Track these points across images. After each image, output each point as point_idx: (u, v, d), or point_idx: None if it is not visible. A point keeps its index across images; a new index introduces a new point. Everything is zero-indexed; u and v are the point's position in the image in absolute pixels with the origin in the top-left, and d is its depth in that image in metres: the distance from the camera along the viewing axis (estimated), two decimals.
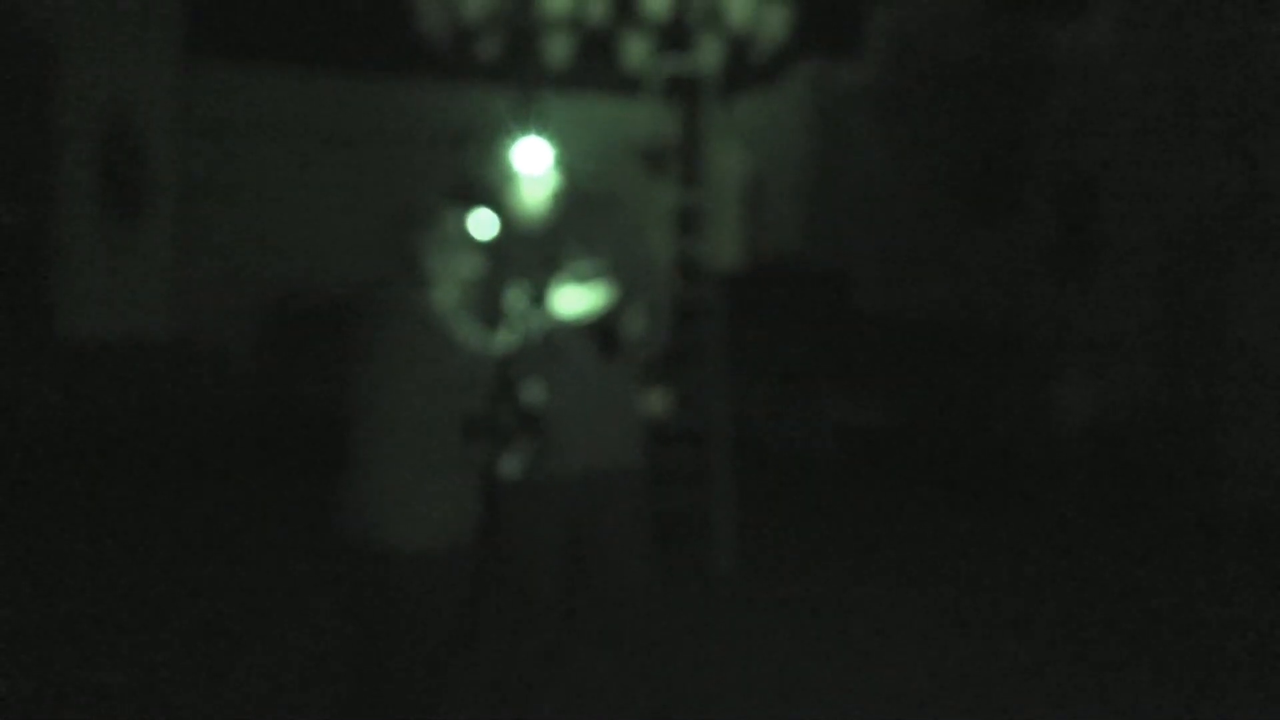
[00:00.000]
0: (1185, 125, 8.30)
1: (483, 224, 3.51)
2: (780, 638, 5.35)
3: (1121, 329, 8.75)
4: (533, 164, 3.59)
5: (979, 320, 10.31)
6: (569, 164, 3.63)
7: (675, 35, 6.77)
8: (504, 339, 3.34)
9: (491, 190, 3.72)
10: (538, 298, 3.50)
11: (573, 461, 3.57)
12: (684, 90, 7.82)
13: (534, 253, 3.61)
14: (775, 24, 6.82)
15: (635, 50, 6.91)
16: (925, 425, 9.58)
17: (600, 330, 3.52)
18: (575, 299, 3.50)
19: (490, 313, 3.43)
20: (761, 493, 7.97)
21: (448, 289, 3.36)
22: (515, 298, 3.39)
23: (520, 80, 7.33)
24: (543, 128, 3.61)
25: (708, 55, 6.78)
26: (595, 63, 7.02)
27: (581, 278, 3.60)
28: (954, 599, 5.99)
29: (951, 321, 10.50)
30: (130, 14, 9.18)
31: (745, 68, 7.37)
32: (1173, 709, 4.63)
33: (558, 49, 6.90)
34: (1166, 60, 8.42)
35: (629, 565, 3.74)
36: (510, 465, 3.32)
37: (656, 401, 4.22)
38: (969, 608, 5.85)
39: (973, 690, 4.77)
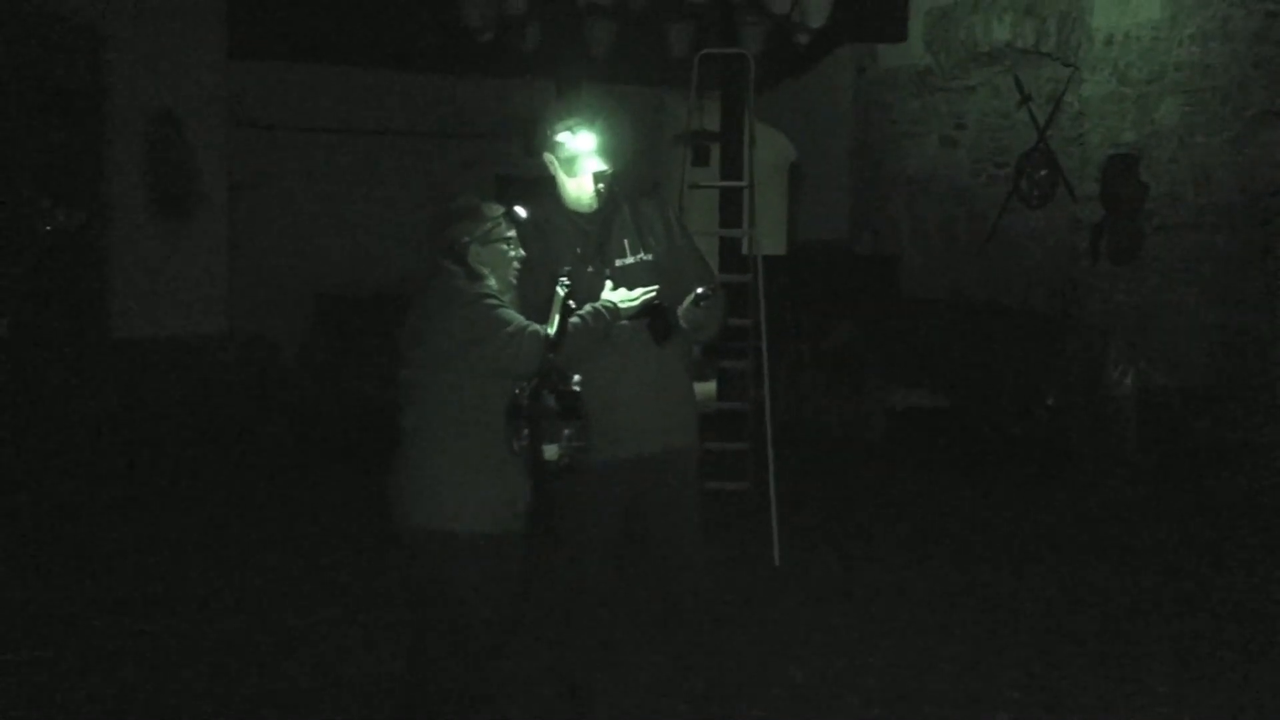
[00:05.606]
0: (1232, 100, 8.18)
1: (526, 216, 3.55)
2: (831, 623, 5.36)
3: (1169, 309, 8.65)
4: (578, 154, 3.62)
5: (1024, 302, 10.24)
6: (614, 153, 3.65)
7: (717, 22, 6.79)
8: (552, 327, 3.37)
9: (538, 181, 3.76)
10: (587, 286, 3.53)
11: (628, 445, 3.60)
12: (727, 77, 7.81)
13: (583, 242, 3.64)
14: (817, 9, 6.81)
15: (678, 38, 6.93)
16: (974, 407, 9.53)
17: (653, 317, 3.55)
18: (626, 287, 3.53)
19: (539, 302, 3.46)
20: (813, 476, 7.97)
21: (495, 279, 3.41)
22: (564, 286, 3.42)
23: (563, 71, 7.36)
24: (587, 118, 3.63)
25: (750, 42, 6.78)
26: (638, 51, 7.04)
27: (631, 266, 3.63)
28: (1006, 580, 5.98)
29: (996, 303, 10.42)
30: (175, 16, 9.28)
31: (787, 53, 7.36)
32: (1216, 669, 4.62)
33: (600, 38, 6.93)
34: (1212, 34, 8.30)
35: (684, 543, 3.77)
36: (551, 450, 3.35)
37: (705, 389, 4.26)
38: (1022, 588, 5.84)
39: (1026, 671, 4.77)
